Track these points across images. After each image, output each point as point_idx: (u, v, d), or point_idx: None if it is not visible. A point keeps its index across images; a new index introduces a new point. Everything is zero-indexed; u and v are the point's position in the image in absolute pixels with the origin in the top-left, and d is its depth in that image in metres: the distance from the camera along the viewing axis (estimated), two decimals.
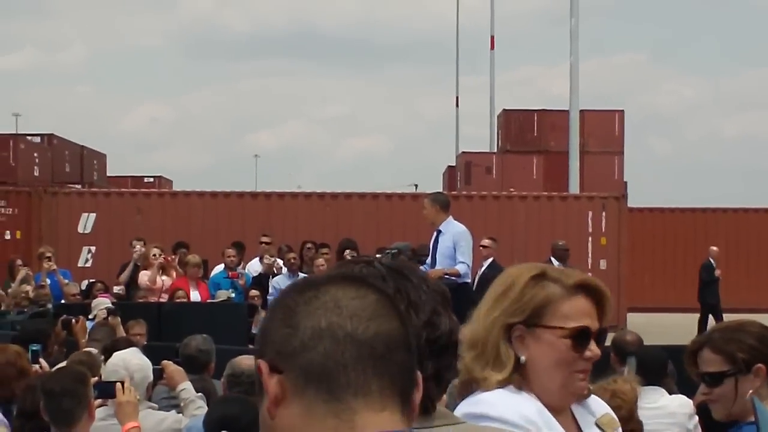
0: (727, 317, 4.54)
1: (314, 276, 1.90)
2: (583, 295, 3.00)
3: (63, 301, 15.32)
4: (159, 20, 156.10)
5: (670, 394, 7.37)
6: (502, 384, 2.93)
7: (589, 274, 3.28)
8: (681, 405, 7.16)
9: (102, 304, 12.05)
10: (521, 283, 2.99)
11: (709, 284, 24.45)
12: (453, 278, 12.96)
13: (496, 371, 2.94)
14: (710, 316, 23.61)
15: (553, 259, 18.34)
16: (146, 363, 6.96)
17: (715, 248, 25.39)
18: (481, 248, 16.73)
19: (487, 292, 3.06)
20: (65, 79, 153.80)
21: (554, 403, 2.96)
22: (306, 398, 1.75)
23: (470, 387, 2.98)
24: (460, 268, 13.46)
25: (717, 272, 24.81)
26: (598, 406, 3.13)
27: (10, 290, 15.69)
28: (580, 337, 2.97)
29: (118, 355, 6.92)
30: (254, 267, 17.44)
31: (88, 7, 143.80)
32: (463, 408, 2.88)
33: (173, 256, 16.87)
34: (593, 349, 3.00)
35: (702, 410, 5.40)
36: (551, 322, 2.97)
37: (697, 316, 23.99)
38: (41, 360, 8.27)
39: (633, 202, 27.04)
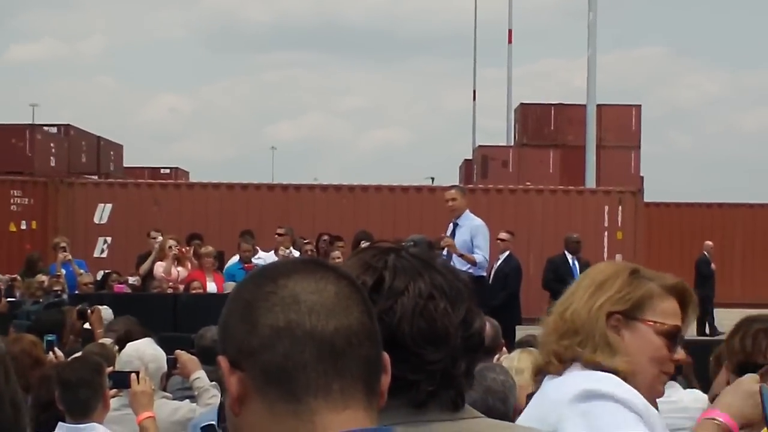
0: (747, 312, 4.39)
1: (273, 265, 1.82)
2: (675, 297, 3.00)
3: (77, 292, 15.33)
4: (181, 11, 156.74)
5: (685, 388, 7.35)
6: (623, 372, 2.87)
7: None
8: (695, 399, 7.12)
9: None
10: (623, 276, 2.98)
11: (707, 278, 24.50)
12: (469, 269, 13.06)
13: (612, 357, 2.89)
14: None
15: (566, 252, 18.31)
16: (160, 353, 6.96)
17: (710, 243, 25.51)
18: (498, 241, 16.67)
19: (580, 282, 3.03)
20: (84, 69, 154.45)
21: None
22: (268, 398, 1.73)
23: (546, 371, 2.96)
24: (477, 257, 13.60)
25: (712, 266, 24.95)
26: None
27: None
28: (674, 337, 2.96)
29: (132, 346, 6.92)
30: (270, 259, 17.44)
31: None
32: (583, 384, 2.81)
33: (188, 248, 16.87)
34: (681, 353, 3.00)
35: None
36: (651, 317, 2.95)
37: (715, 310, 24.06)
38: (56, 350, 8.28)
39: (653, 196, 27.03)
